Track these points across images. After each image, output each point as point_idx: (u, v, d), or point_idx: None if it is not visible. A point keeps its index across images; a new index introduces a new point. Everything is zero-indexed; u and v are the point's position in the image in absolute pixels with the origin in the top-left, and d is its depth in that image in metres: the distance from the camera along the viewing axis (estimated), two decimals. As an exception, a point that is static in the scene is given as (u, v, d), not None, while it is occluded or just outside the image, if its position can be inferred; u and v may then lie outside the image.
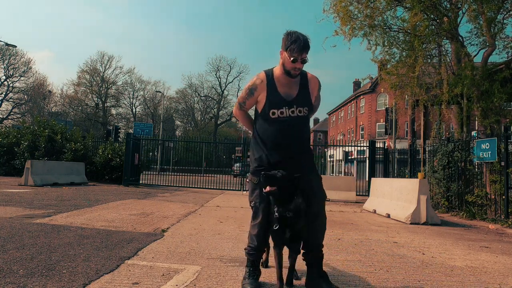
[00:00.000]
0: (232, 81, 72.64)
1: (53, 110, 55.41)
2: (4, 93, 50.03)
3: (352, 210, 9.10)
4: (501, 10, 8.99)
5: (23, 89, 51.25)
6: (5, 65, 48.71)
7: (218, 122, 65.39)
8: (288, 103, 2.63)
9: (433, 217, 7.00)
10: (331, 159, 46.73)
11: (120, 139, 21.37)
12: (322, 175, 2.93)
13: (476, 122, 9.52)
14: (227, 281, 2.74)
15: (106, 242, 3.83)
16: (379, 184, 9.55)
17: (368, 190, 11.29)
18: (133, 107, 62.94)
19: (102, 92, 58.04)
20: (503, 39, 9.41)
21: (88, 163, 15.65)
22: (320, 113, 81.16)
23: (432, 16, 9.65)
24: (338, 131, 54.88)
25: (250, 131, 2.97)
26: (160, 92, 52.25)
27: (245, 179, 13.95)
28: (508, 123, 9.03)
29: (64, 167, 13.57)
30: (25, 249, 3.34)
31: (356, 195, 12.83)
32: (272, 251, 2.63)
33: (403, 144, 25.54)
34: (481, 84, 8.55)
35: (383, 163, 14.69)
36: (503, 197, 7.53)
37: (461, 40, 9.58)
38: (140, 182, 15.73)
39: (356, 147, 31.34)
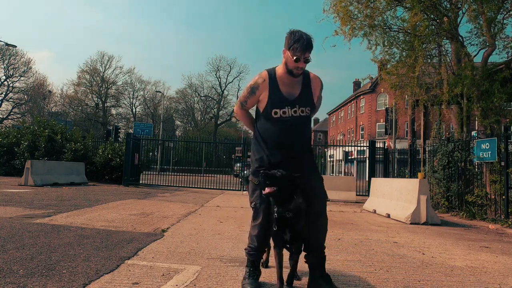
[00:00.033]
0: (232, 81, 72.93)
1: (53, 110, 55.43)
2: (4, 93, 50.08)
3: (352, 210, 9.10)
4: (501, 10, 8.99)
5: (23, 89, 51.31)
6: (5, 65, 48.78)
7: (218, 122, 65.41)
8: (290, 103, 2.60)
9: (433, 217, 7.00)
10: (331, 159, 46.72)
11: (120, 139, 21.36)
12: (322, 175, 2.92)
13: (476, 122, 9.52)
14: (227, 281, 2.74)
15: (106, 242, 3.83)
16: (379, 184, 9.55)
17: (368, 190, 11.29)
18: (133, 107, 63.04)
19: (102, 92, 58.05)
20: (503, 39, 9.42)
21: (88, 163, 15.66)
22: (320, 113, 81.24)
23: (432, 16, 9.66)
24: (338, 131, 54.86)
25: (251, 131, 2.94)
26: (160, 92, 52.28)
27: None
28: (508, 123, 9.03)
29: (64, 167, 13.57)
30: (25, 249, 3.34)
31: (356, 195, 12.84)
32: (272, 251, 2.63)
33: (403, 144, 25.55)
34: (481, 84, 8.55)
35: (383, 163, 14.70)
36: (503, 197, 7.53)
37: (461, 40, 9.58)
38: (140, 182, 15.74)
39: (356, 147, 31.31)
